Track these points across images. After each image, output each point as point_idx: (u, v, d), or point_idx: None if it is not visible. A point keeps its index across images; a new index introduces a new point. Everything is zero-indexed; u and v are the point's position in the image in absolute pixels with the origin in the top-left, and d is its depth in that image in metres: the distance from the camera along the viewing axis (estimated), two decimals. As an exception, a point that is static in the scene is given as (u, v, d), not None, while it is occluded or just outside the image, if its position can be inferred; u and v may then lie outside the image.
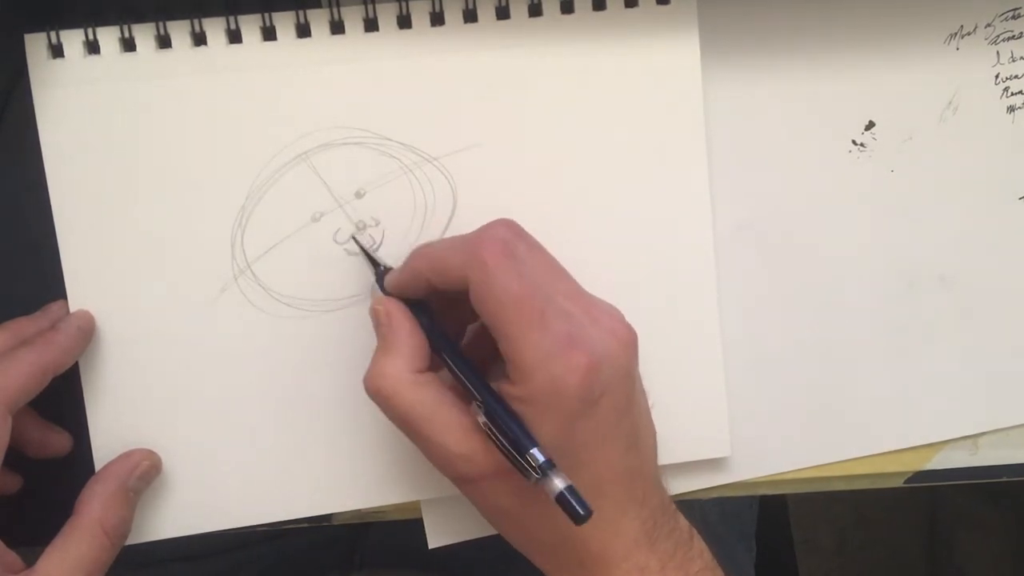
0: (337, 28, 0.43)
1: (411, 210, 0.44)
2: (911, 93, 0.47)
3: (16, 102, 0.43)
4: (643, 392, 0.41)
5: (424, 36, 0.43)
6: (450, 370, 0.40)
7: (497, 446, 0.37)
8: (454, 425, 0.38)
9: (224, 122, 0.43)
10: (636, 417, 0.40)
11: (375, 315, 0.40)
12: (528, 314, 0.37)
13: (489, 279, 0.37)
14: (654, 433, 0.42)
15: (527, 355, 0.37)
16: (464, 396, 0.39)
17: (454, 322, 0.41)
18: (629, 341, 0.39)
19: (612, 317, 0.39)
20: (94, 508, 0.41)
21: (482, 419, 0.37)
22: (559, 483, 0.36)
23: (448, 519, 0.46)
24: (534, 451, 0.36)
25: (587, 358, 0.37)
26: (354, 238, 0.44)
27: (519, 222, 0.40)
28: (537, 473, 0.36)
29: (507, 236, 0.38)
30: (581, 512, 0.35)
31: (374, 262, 0.43)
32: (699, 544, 0.42)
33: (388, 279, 0.41)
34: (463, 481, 0.40)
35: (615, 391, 0.38)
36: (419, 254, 0.40)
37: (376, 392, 0.39)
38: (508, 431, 0.37)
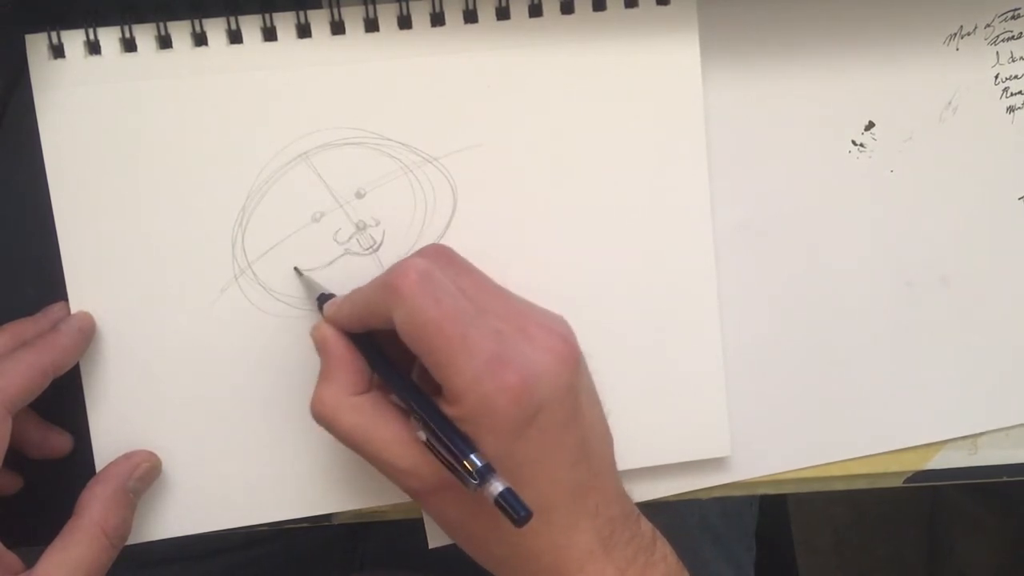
0: (337, 28, 0.43)
1: (411, 210, 0.44)
2: (911, 93, 0.47)
3: (17, 102, 0.43)
4: (594, 403, 0.41)
5: (424, 36, 0.44)
6: (391, 388, 0.40)
7: (437, 458, 0.37)
8: (396, 441, 0.39)
9: (225, 122, 0.43)
10: (584, 430, 0.40)
11: (313, 341, 0.41)
12: (451, 338, 0.37)
13: (407, 310, 0.37)
14: (610, 442, 0.42)
15: (455, 379, 0.37)
16: (408, 413, 0.39)
17: (404, 351, 0.41)
18: (566, 355, 0.39)
19: (550, 332, 0.39)
20: (94, 509, 0.41)
21: (420, 433, 0.38)
22: (498, 485, 0.36)
23: (448, 519, 0.46)
24: (472, 456, 0.36)
25: (517, 376, 0.37)
26: (296, 268, 0.44)
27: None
28: (475, 479, 0.36)
29: (423, 265, 0.38)
30: (521, 514, 0.35)
31: (314, 288, 0.43)
32: (663, 548, 0.42)
33: (326, 309, 0.42)
34: (414, 495, 0.40)
35: (553, 407, 0.38)
36: (351, 296, 0.41)
37: (318, 417, 0.40)
38: (445, 441, 0.37)
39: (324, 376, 0.40)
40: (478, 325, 0.37)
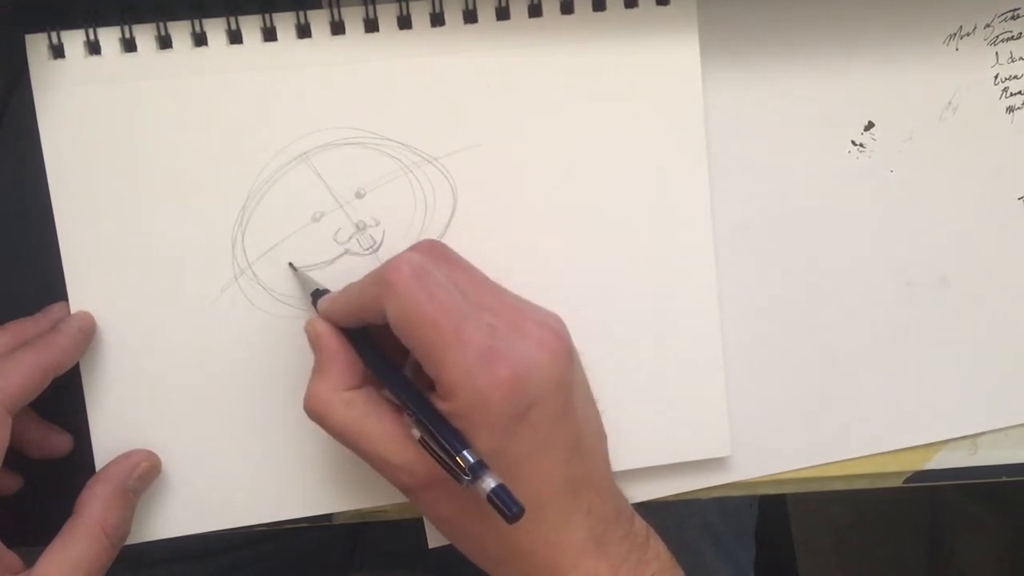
0: (337, 28, 0.43)
1: (411, 210, 0.44)
2: (911, 93, 0.47)
3: (17, 102, 0.43)
4: (587, 400, 0.41)
5: (424, 36, 0.44)
6: (384, 384, 0.40)
7: (430, 454, 0.37)
8: (388, 437, 0.39)
9: (225, 122, 0.43)
10: (577, 426, 0.40)
11: (307, 336, 0.41)
12: (444, 332, 0.37)
13: (400, 303, 0.37)
14: (604, 439, 0.42)
15: (448, 373, 0.37)
16: (401, 409, 0.39)
17: (393, 346, 0.41)
18: (559, 350, 0.39)
19: (543, 327, 0.39)
20: (94, 508, 0.41)
21: (413, 429, 0.38)
22: (490, 482, 0.36)
23: (448, 519, 0.46)
24: (464, 453, 0.36)
25: (509, 371, 0.37)
26: (290, 264, 0.44)
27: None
28: (468, 475, 0.36)
29: (416, 259, 0.38)
30: (513, 510, 0.35)
31: (308, 283, 0.43)
32: (656, 546, 0.41)
33: (320, 304, 0.42)
34: (406, 491, 0.40)
35: (546, 402, 0.38)
36: (345, 291, 0.41)
37: (310, 413, 0.40)
38: (438, 436, 0.37)
39: (317, 371, 0.40)
40: (471, 319, 0.37)
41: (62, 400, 0.43)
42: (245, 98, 0.43)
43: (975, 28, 0.46)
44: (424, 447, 0.37)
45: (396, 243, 0.44)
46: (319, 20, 0.43)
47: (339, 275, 0.44)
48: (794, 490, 0.49)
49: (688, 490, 0.48)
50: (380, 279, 0.38)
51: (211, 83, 0.43)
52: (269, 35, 0.43)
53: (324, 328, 0.41)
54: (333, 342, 0.40)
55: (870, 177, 0.47)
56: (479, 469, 0.36)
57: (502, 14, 0.44)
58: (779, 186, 0.47)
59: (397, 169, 0.44)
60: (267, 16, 0.43)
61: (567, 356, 0.39)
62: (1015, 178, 0.48)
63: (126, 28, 0.42)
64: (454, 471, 0.36)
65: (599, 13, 0.44)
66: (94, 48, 0.43)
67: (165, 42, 0.43)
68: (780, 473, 0.48)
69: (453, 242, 0.43)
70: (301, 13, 0.43)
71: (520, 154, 0.44)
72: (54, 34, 0.42)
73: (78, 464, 0.44)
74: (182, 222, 0.44)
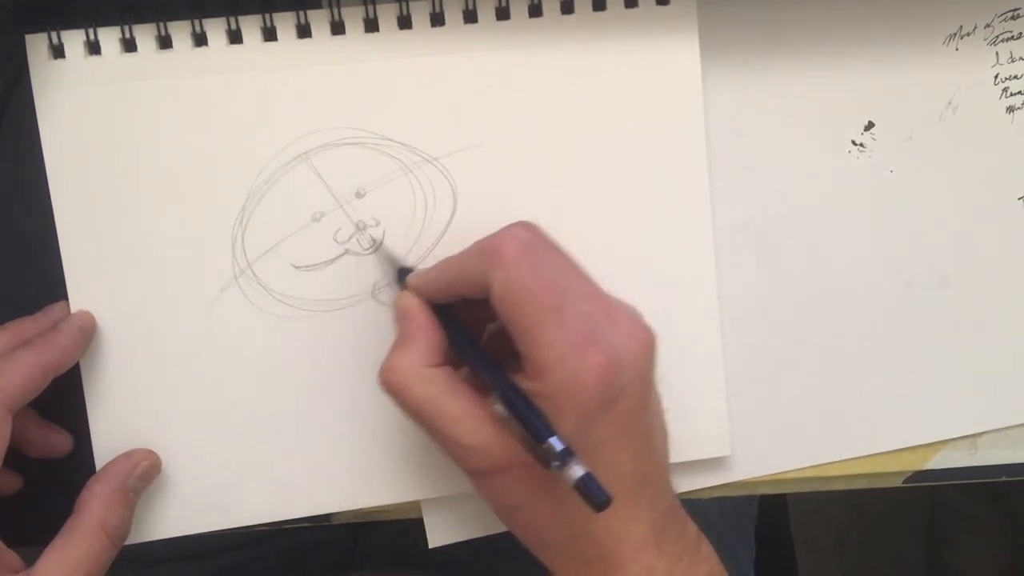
0: (337, 28, 0.43)
1: (411, 210, 0.44)
2: (911, 93, 0.47)
3: (17, 102, 0.43)
4: (658, 396, 0.41)
5: (424, 36, 0.44)
6: (469, 363, 0.40)
7: (515, 436, 0.37)
8: (465, 418, 0.38)
9: (225, 122, 0.43)
10: (650, 420, 0.40)
11: (395, 310, 0.41)
12: (546, 311, 0.37)
13: (507, 275, 0.37)
14: (666, 437, 0.42)
15: (545, 352, 0.36)
16: (481, 390, 0.39)
17: (473, 324, 0.41)
18: (647, 344, 0.39)
19: (632, 320, 0.39)
20: (94, 508, 0.41)
21: (500, 408, 0.37)
22: (579, 469, 0.35)
23: (448, 519, 0.47)
24: (553, 439, 0.36)
25: (604, 358, 0.36)
26: (375, 240, 0.44)
27: (520, 222, 0.40)
28: (557, 460, 0.35)
29: (525, 235, 0.38)
30: (600, 499, 0.35)
31: (394, 260, 0.44)
32: (707, 548, 0.42)
33: (410, 280, 0.41)
34: (475, 474, 0.40)
35: (632, 393, 0.38)
36: (441, 264, 0.41)
37: (387, 386, 0.39)
38: (527, 419, 0.36)
39: (400, 345, 0.40)
40: (571, 303, 0.37)
41: (62, 400, 0.43)
42: (245, 98, 0.43)
43: (975, 28, 0.46)
44: (509, 428, 0.37)
45: (396, 243, 0.44)
46: (319, 20, 0.43)
47: (339, 275, 0.44)
48: (794, 490, 0.49)
49: (688, 490, 0.48)
50: (488, 250, 0.38)
51: (211, 83, 0.43)
52: (269, 35, 0.43)
53: (414, 302, 0.40)
54: (422, 317, 0.40)
55: (870, 177, 0.47)
56: (567, 456, 0.35)
57: (502, 14, 0.44)
58: (779, 186, 0.47)
59: (397, 169, 0.44)
60: (267, 16, 0.43)
61: (653, 350, 0.39)
62: (1015, 178, 0.48)
63: (126, 28, 0.42)
64: (541, 455, 0.36)
65: (599, 13, 0.44)
66: (94, 48, 0.43)
67: (165, 42, 0.43)
68: (780, 473, 0.48)
69: (453, 242, 0.43)
70: (301, 13, 0.43)
71: (520, 154, 0.44)
72: (54, 34, 0.42)
73: (78, 464, 0.44)
74: (182, 222, 0.44)
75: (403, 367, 0.39)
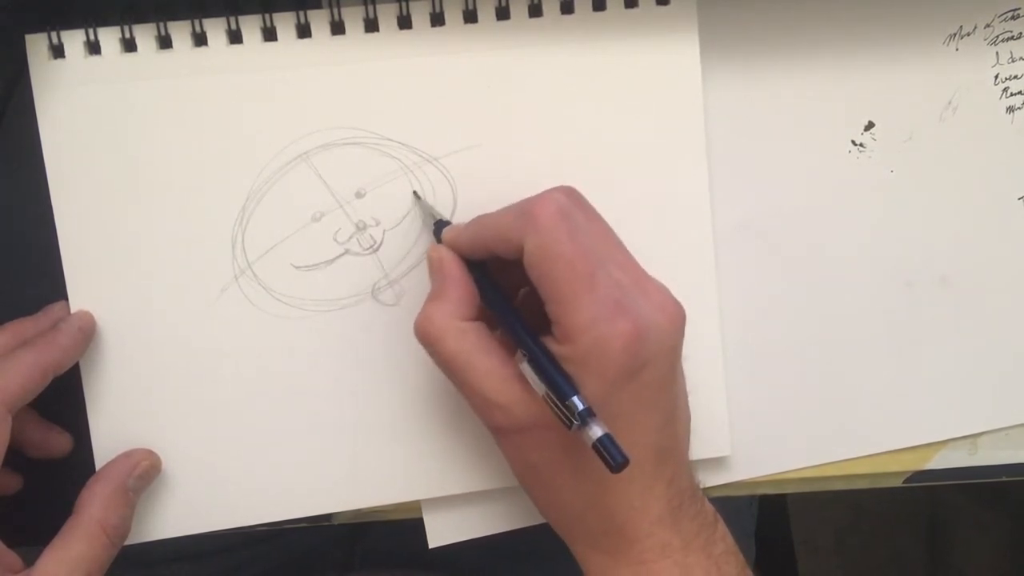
0: (337, 28, 0.43)
1: (411, 210, 0.44)
2: (911, 93, 0.47)
3: (17, 102, 0.43)
4: (683, 375, 0.41)
5: (424, 36, 0.44)
6: (498, 320, 0.40)
7: (540, 394, 0.37)
8: (495, 374, 0.39)
9: (225, 122, 0.43)
10: (676, 396, 0.40)
11: (429, 261, 0.41)
12: (579, 275, 0.37)
13: (542, 238, 0.37)
14: (688, 417, 0.42)
15: (574, 316, 0.37)
16: (511, 348, 0.39)
17: (504, 286, 0.41)
18: (677, 317, 0.39)
19: (662, 292, 0.39)
20: (94, 508, 0.41)
21: (525, 366, 0.37)
22: (598, 430, 0.35)
23: (448, 519, 0.47)
24: (575, 399, 0.36)
25: (633, 325, 0.37)
26: (415, 193, 0.44)
27: (561, 186, 0.40)
28: (577, 420, 0.36)
29: (563, 201, 0.38)
30: (618, 459, 0.35)
31: (431, 213, 0.43)
32: (723, 528, 0.42)
33: (446, 234, 0.41)
34: (498, 431, 0.40)
35: (658, 364, 0.38)
36: (477, 221, 0.41)
37: (423, 335, 0.40)
38: (550, 378, 0.37)
39: (436, 296, 0.40)
40: (603, 269, 0.38)
41: (62, 400, 0.43)
42: (245, 98, 0.43)
43: (975, 28, 0.46)
44: (533, 385, 0.37)
45: (396, 243, 0.44)
46: (319, 20, 0.43)
47: (339, 275, 0.44)
48: (794, 490, 0.49)
49: (688, 490, 0.48)
50: (524, 211, 0.38)
51: (211, 83, 0.43)
52: (269, 35, 0.43)
53: (448, 254, 0.41)
54: (455, 269, 0.40)
55: (870, 177, 0.47)
56: (587, 416, 0.36)
57: (502, 14, 0.44)
58: (779, 186, 0.47)
59: (397, 169, 0.44)
60: (267, 16, 0.43)
61: (682, 324, 0.39)
62: (1015, 178, 0.48)
63: (126, 28, 0.42)
64: (562, 414, 0.36)
65: (599, 13, 0.44)
66: (94, 48, 0.43)
67: (165, 42, 0.43)
68: (780, 473, 0.48)
69: (453, 242, 0.43)
70: (301, 13, 0.43)
71: (520, 154, 0.44)
72: (54, 34, 0.42)
73: (78, 464, 0.44)
74: (182, 222, 0.44)
75: (439, 318, 0.39)
